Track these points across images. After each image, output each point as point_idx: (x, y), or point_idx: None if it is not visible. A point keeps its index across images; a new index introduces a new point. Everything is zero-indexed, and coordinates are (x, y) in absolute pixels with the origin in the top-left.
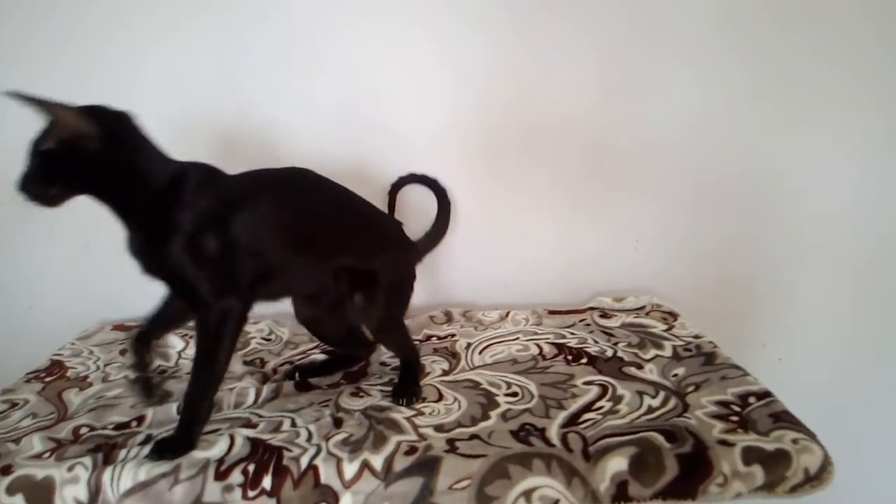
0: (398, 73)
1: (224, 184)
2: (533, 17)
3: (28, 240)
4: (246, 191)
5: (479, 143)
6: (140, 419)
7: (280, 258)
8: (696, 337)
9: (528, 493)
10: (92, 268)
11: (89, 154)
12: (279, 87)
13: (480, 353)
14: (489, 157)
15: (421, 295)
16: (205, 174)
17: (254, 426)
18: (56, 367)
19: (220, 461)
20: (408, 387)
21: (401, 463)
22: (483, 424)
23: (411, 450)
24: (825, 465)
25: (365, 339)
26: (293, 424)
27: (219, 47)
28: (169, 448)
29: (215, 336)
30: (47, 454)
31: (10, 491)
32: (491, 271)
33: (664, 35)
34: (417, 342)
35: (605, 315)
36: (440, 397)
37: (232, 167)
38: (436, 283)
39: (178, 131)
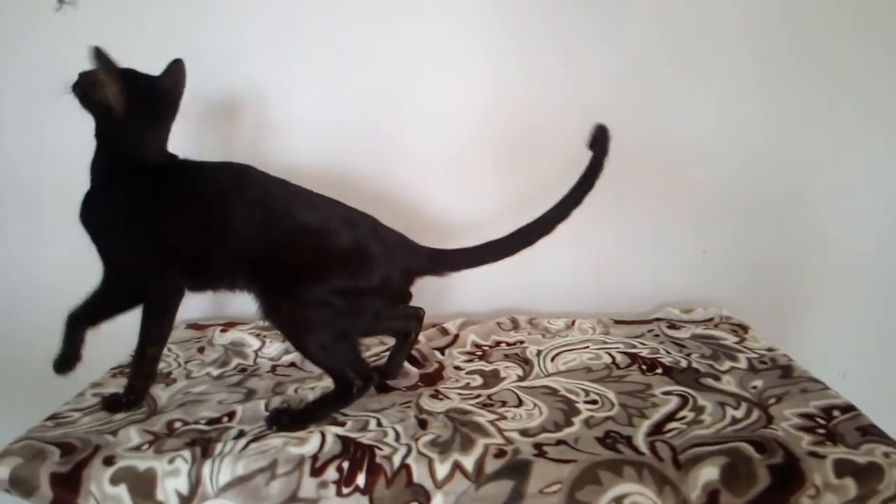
0: (433, 78)
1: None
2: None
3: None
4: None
5: (539, 151)
6: (231, 415)
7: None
8: (770, 350)
9: (619, 500)
10: None
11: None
12: (293, 97)
13: (553, 360)
14: (547, 167)
15: (484, 301)
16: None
17: (342, 424)
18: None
19: (315, 458)
20: (300, 413)
21: (491, 465)
22: (568, 430)
23: (500, 453)
24: None
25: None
26: (379, 424)
27: (235, 56)
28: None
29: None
30: (146, 446)
31: (114, 481)
32: (553, 279)
33: (722, 47)
34: (487, 348)
35: (672, 326)
36: (520, 402)
37: None
38: (498, 289)
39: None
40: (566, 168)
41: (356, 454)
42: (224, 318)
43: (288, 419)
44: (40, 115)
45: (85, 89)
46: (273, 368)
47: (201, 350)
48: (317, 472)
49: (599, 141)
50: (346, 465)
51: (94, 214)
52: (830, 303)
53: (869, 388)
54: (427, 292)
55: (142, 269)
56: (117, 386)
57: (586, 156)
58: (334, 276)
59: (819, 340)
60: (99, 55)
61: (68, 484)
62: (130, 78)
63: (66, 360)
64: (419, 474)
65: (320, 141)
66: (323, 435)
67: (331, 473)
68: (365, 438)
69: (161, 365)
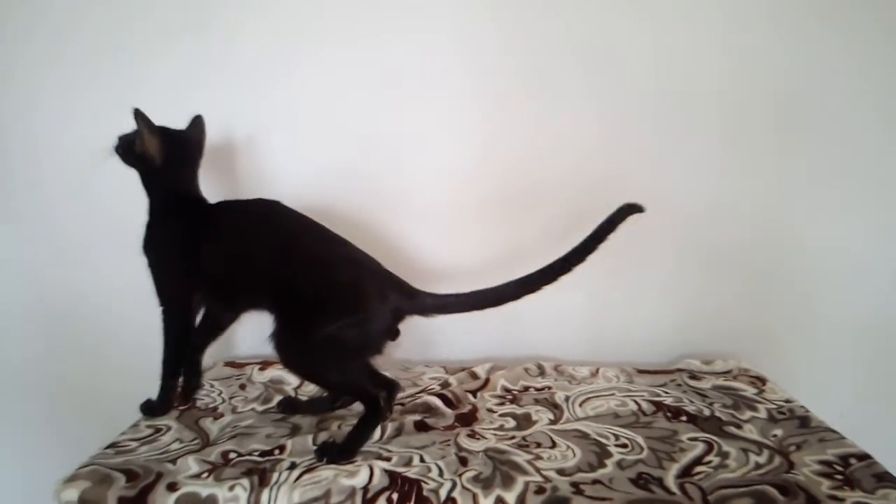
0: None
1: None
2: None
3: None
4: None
5: (545, 201)
6: (281, 448)
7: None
8: (788, 401)
9: None
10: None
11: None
12: (293, 142)
13: (581, 405)
14: (563, 218)
15: (507, 347)
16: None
17: (387, 459)
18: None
19: (365, 489)
20: (346, 444)
21: (532, 501)
22: (602, 471)
23: (540, 490)
24: None
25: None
26: (422, 460)
27: (230, 101)
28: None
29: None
30: (205, 474)
31: None
32: (575, 327)
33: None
34: (517, 392)
35: (693, 377)
36: (554, 444)
37: None
38: (521, 336)
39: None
40: (556, 218)
41: (404, 487)
42: (259, 357)
43: (337, 451)
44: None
45: (127, 148)
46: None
47: (242, 387)
48: (368, 502)
49: (618, 217)
50: (395, 496)
51: (151, 244)
52: (838, 356)
53: (880, 438)
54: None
55: (187, 289)
56: (168, 419)
57: (577, 207)
58: (334, 308)
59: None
60: (139, 115)
61: None
62: (165, 133)
63: (157, 409)
64: None
65: (316, 185)
66: (371, 468)
67: None
68: (410, 473)
69: (206, 399)
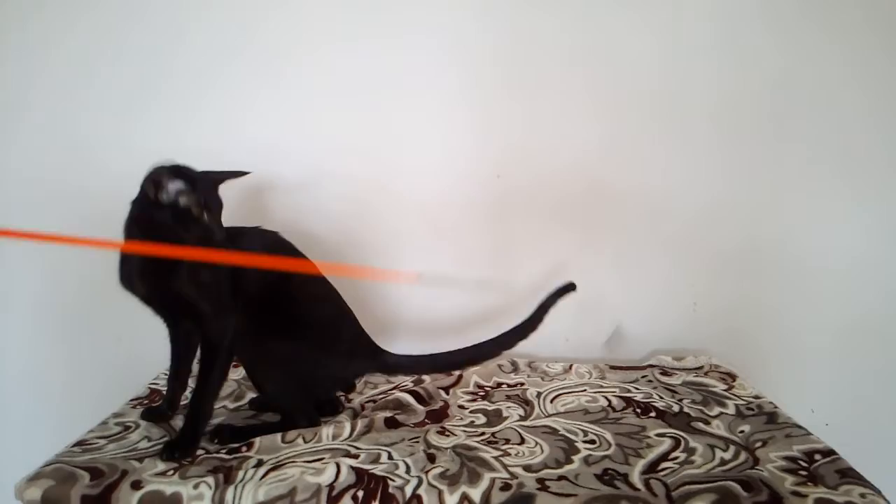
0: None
1: None
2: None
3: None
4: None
5: (530, 205)
6: (249, 445)
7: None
8: (756, 397)
9: None
10: None
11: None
12: (288, 147)
13: (552, 401)
14: (545, 219)
15: None
16: None
17: (355, 457)
18: (156, 395)
19: (331, 486)
20: (241, 430)
21: (497, 498)
22: (568, 467)
23: (506, 486)
24: None
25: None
26: (390, 457)
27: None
28: (178, 448)
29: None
30: (171, 472)
31: None
32: (552, 325)
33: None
34: (489, 388)
35: (665, 373)
36: (522, 440)
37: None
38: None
39: None
40: (546, 217)
41: (370, 484)
42: None
43: (228, 434)
44: None
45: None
46: None
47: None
48: (333, 500)
49: (558, 294)
50: (360, 493)
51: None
52: (809, 353)
53: (849, 434)
54: (431, 333)
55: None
56: (137, 416)
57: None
58: (309, 339)
59: (802, 388)
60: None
61: None
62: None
63: (188, 450)
64: None
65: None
66: (338, 465)
67: (346, 501)
68: (378, 470)
69: None
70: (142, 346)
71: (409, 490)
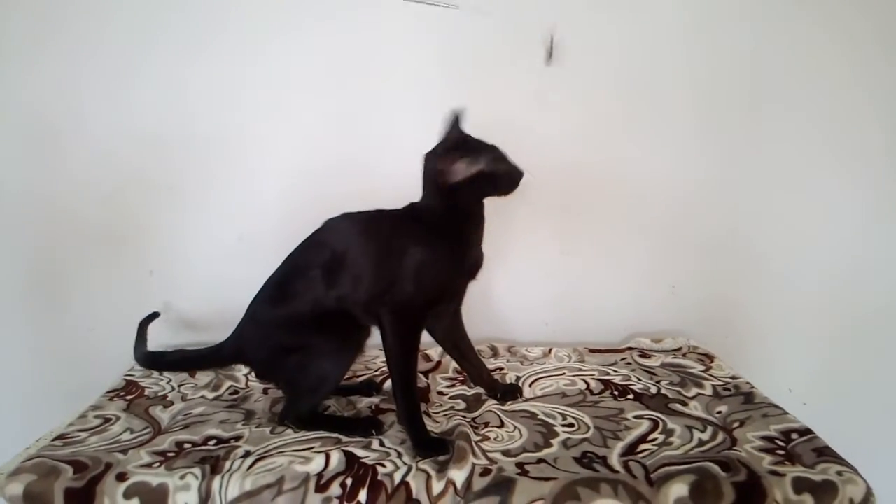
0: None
1: None
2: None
3: (91, 265)
4: None
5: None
6: (238, 437)
7: None
8: (734, 378)
9: None
10: (152, 296)
11: None
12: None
13: (531, 385)
14: (526, 205)
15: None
16: None
17: (346, 444)
18: (133, 387)
19: (320, 475)
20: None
21: (478, 483)
22: (547, 451)
23: (485, 471)
24: (868, 497)
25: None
26: (381, 445)
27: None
28: (430, 448)
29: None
30: (157, 464)
31: (127, 495)
32: (532, 310)
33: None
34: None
35: (644, 355)
36: (501, 424)
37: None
38: (480, 319)
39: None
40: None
41: (359, 472)
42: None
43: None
44: None
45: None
46: (265, 391)
47: (192, 374)
48: (321, 488)
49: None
50: (349, 481)
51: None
52: (786, 333)
53: (826, 413)
54: None
55: None
56: (116, 409)
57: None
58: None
59: (778, 368)
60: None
61: (83, 499)
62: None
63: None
64: (417, 489)
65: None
66: (328, 454)
67: (335, 489)
68: (369, 459)
69: (155, 388)
70: (111, 337)
71: (398, 477)
